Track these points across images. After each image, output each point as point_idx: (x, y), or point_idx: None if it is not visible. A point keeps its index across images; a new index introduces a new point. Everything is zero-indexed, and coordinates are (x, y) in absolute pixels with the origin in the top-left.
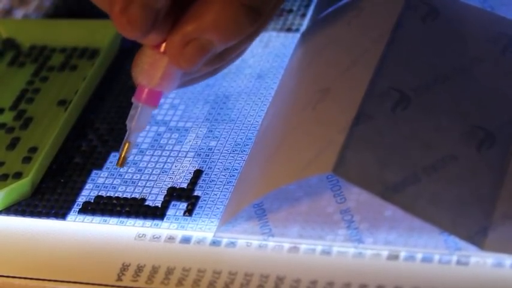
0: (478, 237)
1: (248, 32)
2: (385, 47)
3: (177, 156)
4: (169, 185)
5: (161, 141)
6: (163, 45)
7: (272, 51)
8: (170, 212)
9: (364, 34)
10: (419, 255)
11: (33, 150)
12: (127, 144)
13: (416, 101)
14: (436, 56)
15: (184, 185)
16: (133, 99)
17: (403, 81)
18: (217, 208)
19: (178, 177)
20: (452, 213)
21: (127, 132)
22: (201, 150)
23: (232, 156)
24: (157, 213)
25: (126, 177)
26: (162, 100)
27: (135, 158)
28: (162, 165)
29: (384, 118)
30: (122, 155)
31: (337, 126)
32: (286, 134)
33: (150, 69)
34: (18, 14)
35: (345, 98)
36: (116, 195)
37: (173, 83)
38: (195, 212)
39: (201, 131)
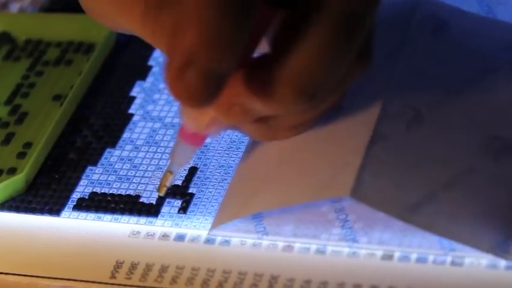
0: (501, 248)
1: (296, 110)
2: (396, 64)
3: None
4: None
5: (156, 138)
6: None
7: None
8: (165, 209)
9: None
10: (413, 256)
11: (28, 145)
12: (168, 174)
13: (430, 117)
14: (448, 69)
15: (179, 182)
16: (178, 136)
17: (416, 98)
18: (212, 206)
19: None
20: (472, 227)
21: (168, 163)
22: None
23: (227, 154)
24: (151, 211)
25: (120, 173)
26: (157, 96)
27: (130, 155)
28: (157, 162)
29: (399, 137)
30: (162, 183)
31: (352, 147)
32: (295, 147)
33: (197, 116)
34: (14, 7)
35: (358, 117)
36: (111, 191)
37: (219, 130)
38: (189, 209)
39: None
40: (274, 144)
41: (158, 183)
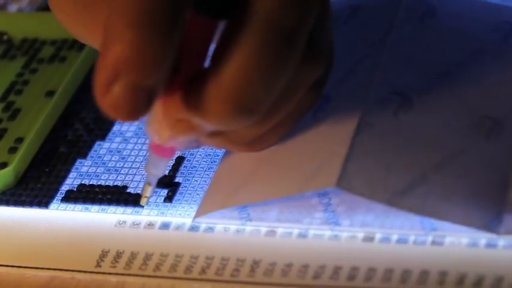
0: (493, 224)
1: (240, 126)
2: (384, 50)
3: None
4: None
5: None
6: None
7: None
8: (151, 198)
9: (362, 36)
10: (394, 237)
11: (20, 140)
12: (147, 186)
13: (419, 102)
14: (436, 54)
15: (166, 172)
16: (148, 148)
17: (403, 84)
18: (198, 194)
19: None
20: (464, 206)
21: (147, 176)
22: None
23: None
24: (138, 200)
25: (109, 165)
26: None
27: (119, 147)
28: (145, 153)
29: (386, 124)
30: (143, 195)
31: (338, 137)
32: (284, 141)
33: (159, 128)
34: (13, 8)
35: (345, 106)
36: (99, 183)
37: (182, 144)
38: (175, 198)
39: None
40: None
41: (133, 167)
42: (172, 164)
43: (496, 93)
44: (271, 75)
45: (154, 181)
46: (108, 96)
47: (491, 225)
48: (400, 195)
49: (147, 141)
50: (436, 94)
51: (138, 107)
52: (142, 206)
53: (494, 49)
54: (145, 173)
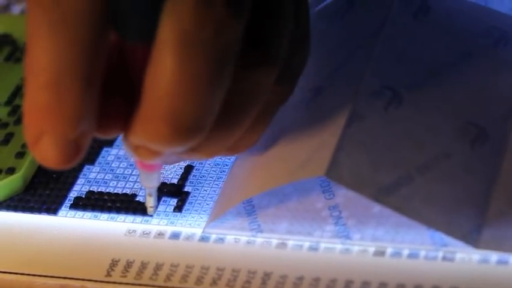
0: (472, 236)
1: (192, 143)
2: (377, 44)
3: None
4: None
5: None
6: None
7: None
8: (160, 208)
9: (356, 30)
10: (405, 251)
11: (27, 145)
12: (148, 197)
13: (409, 99)
14: (428, 52)
15: (175, 181)
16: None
17: (395, 79)
18: (207, 204)
19: (169, 172)
20: (446, 212)
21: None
22: None
23: None
24: (147, 209)
25: (117, 172)
26: None
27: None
28: None
29: (376, 118)
30: (147, 206)
31: (329, 128)
32: (278, 133)
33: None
34: (16, 9)
35: (337, 97)
36: (107, 190)
37: (162, 162)
38: (184, 208)
39: None
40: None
41: None
42: (181, 173)
43: (483, 99)
44: (201, 91)
45: (153, 192)
46: (37, 149)
47: (470, 237)
48: (386, 192)
49: None
50: (426, 93)
51: (67, 158)
52: (152, 215)
53: (484, 54)
54: (144, 187)
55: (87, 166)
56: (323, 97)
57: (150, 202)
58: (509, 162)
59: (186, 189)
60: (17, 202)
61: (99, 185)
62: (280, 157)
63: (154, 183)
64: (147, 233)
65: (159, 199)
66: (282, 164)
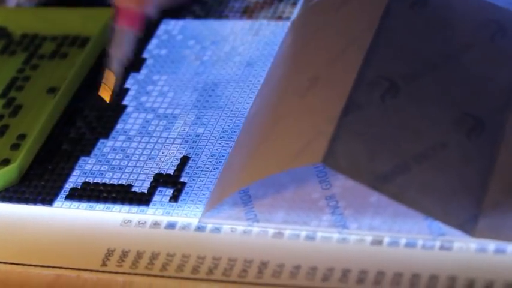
0: (468, 225)
1: None
2: (374, 35)
3: (164, 143)
4: (156, 171)
5: (149, 128)
6: None
7: (262, 39)
8: (156, 198)
9: (353, 22)
10: (402, 241)
11: (22, 137)
12: (110, 75)
13: (406, 89)
14: (425, 43)
15: (171, 171)
16: (116, 24)
17: (392, 70)
18: (203, 194)
19: (165, 163)
20: (443, 202)
21: (109, 60)
22: (189, 137)
23: (220, 143)
24: (143, 199)
25: (113, 163)
26: (151, 87)
27: (123, 145)
28: (149, 152)
29: (373, 107)
30: (107, 87)
31: (326, 116)
32: (275, 123)
33: None
34: (12, 2)
35: (334, 87)
36: (103, 181)
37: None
38: (181, 198)
39: (189, 117)
40: (257, 126)
41: (138, 165)
42: (177, 164)
43: (479, 90)
44: None
45: (119, 68)
46: None
47: (466, 225)
48: (383, 180)
49: (151, 140)
50: (423, 83)
51: None
52: (148, 204)
53: (481, 46)
54: (110, 57)
55: (82, 158)
56: (320, 87)
57: (112, 83)
58: (505, 152)
59: (182, 179)
60: (12, 193)
61: (95, 176)
62: (277, 146)
63: (129, 48)
64: (142, 223)
65: (154, 190)
66: (279, 152)
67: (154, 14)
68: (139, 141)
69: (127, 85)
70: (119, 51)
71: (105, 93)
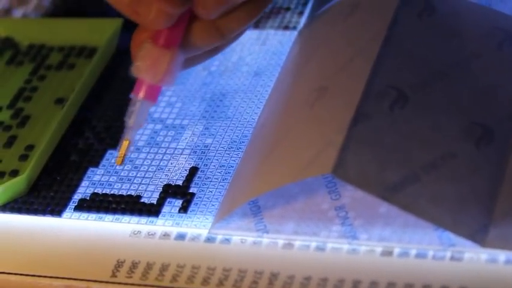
0: (479, 235)
1: None
2: (382, 45)
3: (173, 154)
4: (164, 182)
5: (157, 139)
6: (163, 39)
7: (269, 49)
8: (165, 209)
9: (360, 31)
10: (413, 251)
11: (30, 148)
12: (126, 142)
13: (414, 99)
14: (433, 52)
15: (180, 182)
16: (132, 96)
17: (400, 79)
18: (212, 205)
19: (174, 174)
20: (453, 212)
21: (125, 130)
22: (197, 148)
23: (228, 153)
24: (152, 210)
25: (122, 174)
26: (159, 98)
27: (132, 156)
28: (158, 163)
29: (382, 117)
30: (122, 153)
31: (335, 127)
32: (283, 133)
33: (153, 65)
34: (18, 13)
35: (342, 97)
36: (112, 192)
37: (175, 77)
38: (190, 208)
39: (197, 128)
40: (265, 136)
41: (146, 176)
42: (186, 175)
43: (487, 99)
44: None
45: (134, 135)
46: None
47: (477, 236)
48: (393, 191)
49: (159, 151)
50: (431, 93)
51: None
52: (157, 215)
53: (489, 55)
54: (125, 126)
55: (91, 168)
56: (328, 97)
57: (126, 148)
58: None
59: (191, 190)
60: (21, 204)
61: (104, 187)
62: (286, 156)
63: (144, 120)
64: (152, 234)
65: (163, 200)
66: (288, 163)
67: (171, 83)
68: (148, 152)
69: None
70: (136, 123)
71: (118, 159)
